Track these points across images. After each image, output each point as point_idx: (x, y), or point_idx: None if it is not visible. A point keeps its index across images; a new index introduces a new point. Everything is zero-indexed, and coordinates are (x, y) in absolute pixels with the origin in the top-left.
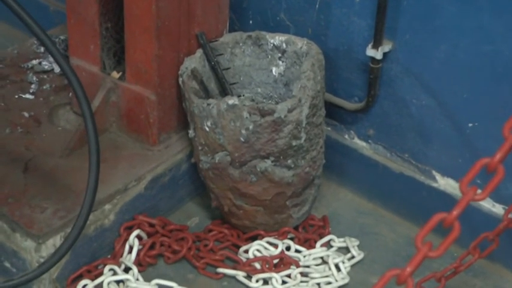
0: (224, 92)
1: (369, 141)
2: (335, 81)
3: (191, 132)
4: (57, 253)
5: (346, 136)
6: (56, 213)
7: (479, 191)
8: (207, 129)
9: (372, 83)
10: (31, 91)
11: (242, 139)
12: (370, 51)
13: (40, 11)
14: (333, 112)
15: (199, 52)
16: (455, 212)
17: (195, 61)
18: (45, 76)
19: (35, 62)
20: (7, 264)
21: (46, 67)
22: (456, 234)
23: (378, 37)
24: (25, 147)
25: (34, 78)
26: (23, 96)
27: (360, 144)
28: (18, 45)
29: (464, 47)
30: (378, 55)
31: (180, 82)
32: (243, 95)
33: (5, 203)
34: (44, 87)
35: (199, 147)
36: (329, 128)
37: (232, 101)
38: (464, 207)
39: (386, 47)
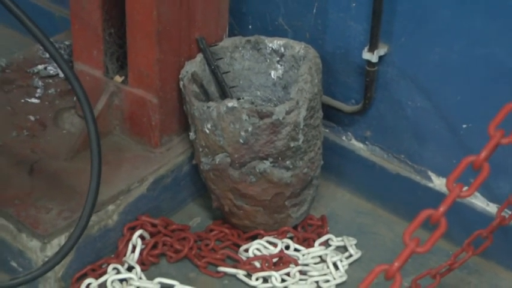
0: (224, 95)
1: (366, 142)
2: (332, 84)
3: (192, 135)
4: (60, 252)
5: (344, 138)
6: (60, 214)
7: (465, 188)
8: (208, 131)
9: (368, 85)
10: (37, 95)
11: (241, 141)
12: (366, 55)
13: (45, 17)
14: (331, 114)
15: (199, 56)
16: (441, 209)
17: (195, 65)
18: (50, 81)
19: (40, 67)
20: (14, 264)
21: (51, 72)
22: (443, 230)
23: (374, 41)
24: (31, 150)
25: (40, 83)
26: (29, 100)
27: (357, 145)
28: (24, 51)
29: (458, 50)
30: (374, 58)
31: (181, 86)
32: (243, 98)
33: (12, 204)
34: (49, 91)
35: (200, 149)
36: (327, 130)
37: (231, 103)
38: (450, 204)
39: (382, 50)
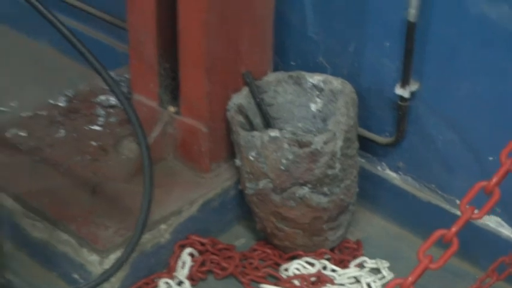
0: (268, 125)
1: (399, 172)
2: (368, 118)
3: (238, 161)
4: (115, 265)
5: (379, 167)
6: (117, 232)
7: (476, 211)
8: (252, 158)
9: (401, 119)
10: (99, 123)
11: (283, 168)
12: (399, 91)
13: (108, 53)
14: (367, 145)
15: (245, 89)
16: (453, 229)
17: (241, 98)
18: (111, 110)
19: (103, 97)
20: (75, 276)
21: (113, 102)
22: (455, 248)
23: (406, 78)
24: (93, 173)
25: (102, 112)
26: (92, 127)
27: (391, 175)
28: (89, 83)
29: (485, 87)
30: (406, 94)
31: (228, 116)
32: (285, 129)
33: (74, 221)
34: (111, 120)
35: (245, 175)
36: (363, 160)
37: (274, 133)
38: (462, 225)
39: (414, 86)
